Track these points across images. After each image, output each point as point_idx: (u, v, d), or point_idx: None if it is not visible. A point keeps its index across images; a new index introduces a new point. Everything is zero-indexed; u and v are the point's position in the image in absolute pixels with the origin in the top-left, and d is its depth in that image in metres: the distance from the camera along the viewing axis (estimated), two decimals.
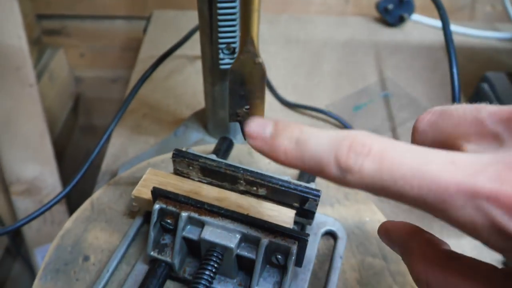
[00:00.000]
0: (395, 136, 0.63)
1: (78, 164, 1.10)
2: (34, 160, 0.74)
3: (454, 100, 0.42)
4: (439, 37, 0.81)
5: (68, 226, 0.44)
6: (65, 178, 0.91)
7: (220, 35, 0.41)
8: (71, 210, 0.85)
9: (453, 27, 0.82)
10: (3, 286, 0.85)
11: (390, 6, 0.79)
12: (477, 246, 0.52)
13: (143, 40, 0.79)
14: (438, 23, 0.82)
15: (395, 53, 0.77)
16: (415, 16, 0.83)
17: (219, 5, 0.39)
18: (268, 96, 0.68)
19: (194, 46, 0.65)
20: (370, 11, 0.86)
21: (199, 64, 0.73)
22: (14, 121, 0.70)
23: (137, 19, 0.92)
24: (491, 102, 0.52)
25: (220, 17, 0.40)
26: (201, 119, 0.56)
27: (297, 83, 0.71)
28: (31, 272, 0.88)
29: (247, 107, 0.26)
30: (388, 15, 0.80)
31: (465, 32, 0.81)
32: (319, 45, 0.79)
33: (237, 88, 0.25)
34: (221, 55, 0.43)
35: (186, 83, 0.69)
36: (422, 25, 0.83)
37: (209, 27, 0.42)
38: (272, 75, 0.72)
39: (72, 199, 0.72)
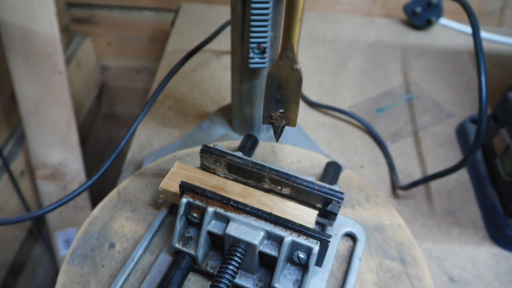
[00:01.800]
0: (416, 139, 0.63)
1: (100, 151, 1.13)
2: (60, 146, 0.76)
3: (481, 110, 0.42)
4: (466, 42, 0.80)
5: (95, 213, 0.46)
6: (86, 163, 0.93)
7: (252, 34, 0.42)
8: (93, 196, 0.87)
9: (481, 33, 0.81)
10: (24, 265, 0.87)
11: (418, 9, 0.78)
12: (494, 255, 0.52)
13: (171, 33, 0.80)
14: (465, 28, 0.81)
15: (421, 56, 0.77)
16: (443, 20, 0.82)
17: (253, 5, 0.40)
18: None
19: (221, 42, 0.66)
20: (397, 12, 0.85)
21: (225, 59, 0.74)
22: (43, 107, 0.72)
23: (164, 11, 0.93)
24: None
25: (253, 17, 0.41)
26: (226, 114, 0.57)
27: (321, 82, 0.71)
28: (51, 254, 0.91)
29: (281, 110, 0.27)
30: (416, 18, 0.79)
31: (493, 38, 0.80)
32: (345, 44, 0.79)
33: (274, 91, 0.26)
34: (251, 54, 0.43)
35: (212, 77, 0.70)
36: (450, 29, 0.82)
37: (241, 26, 0.43)
38: None
39: (94, 185, 0.74)
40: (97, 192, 0.76)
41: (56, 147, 0.76)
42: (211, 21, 0.82)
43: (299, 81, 0.25)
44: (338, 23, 0.84)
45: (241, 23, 0.43)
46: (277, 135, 0.29)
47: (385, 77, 0.73)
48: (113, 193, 0.48)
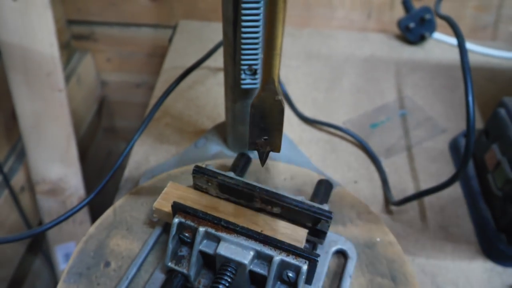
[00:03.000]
0: (410, 155, 0.64)
1: (100, 164, 1.14)
2: (60, 162, 0.77)
3: (468, 130, 0.43)
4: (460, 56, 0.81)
5: (91, 231, 0.47)
6: (86, 177, 0.94)
7: (243, 57, 0.43)
8: (92, 210, 0.88)
9: (475, 47, 0.82)
10: (24, 279, 0.88)
11: (412, 25, 0.79)
12: (487, 270, 0.52)
13: (168, 50, 0.82)
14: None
15: (415, 71, 0.78)
16: (437, 35, 0.83)
17: (243, 29, 0.41)
18: (287, 111, 0.70)
19: (217, 59, 0.68)
20: (392, 27, 0.87)
21: (221, 76, 0.75)
22: (43, 124, 0.73)
23: (163, 28, 0.95)
24: (507, 128, 0.53)
25: (243, 41, 0.42)
26: (221, 132, 0.58)
27: (316, 98, 0.73)
28: (51, 267, 0.91)
29: (265, 137, 0.28)
30: (409, 33, 0.81)
31: (486, 52, 0.81)
32: (340, 60, 0.80)
33: (257, 121, 0.27)
34: (243, 76, 0.45)
35: (208, 94, 0.72)
36: (443, 43, 0.84)
37: (232, 49, 0.44)
38: (292, 89, 0.73)
39: (94, 200, 0.75)
40: (96, 206, 0.77)
41: (56, 163, 0.77)
42: (208, 38, 0.84)
43: (281, 110, 0.26)
44: (333, 39, 0.85)
45: (233, 46, 0.44)
46: (263, 160, 0.30)
47: (379, 92, 0.74)
48: (109, 211, 0.48)
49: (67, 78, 0.93)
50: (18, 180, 0.79)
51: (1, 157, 0.77)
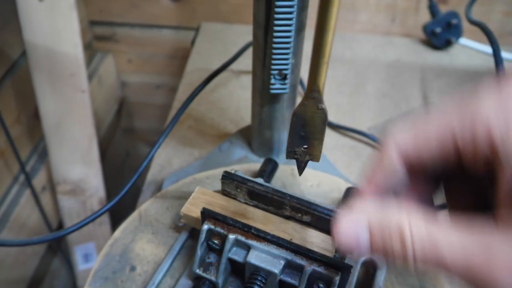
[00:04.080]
0: None
1: (118, 164, 1.14)
2: (81, 163, 0.77)
3: None
4: (486, 62, 0.80)
5: (117, 235, 0.46)
6: (105, 176, 0.95)
7: (274, 61, 0.42)
8: (112, 211, 0.88)
9: (502, 53, 0.80)
10: (42, 279, 0.89)
11: (438, 30, 0.78)
12: None
13: (191, 52, 0.81)
14: (486, 48, 0.81)
15: (441, 77, 0.77)
16: (463, 40, 0.82)
17: (275, 34, 0.40)
18: None
19: (240, 62, 0.67)
20: (416, 32, 0.85)
21: (244, 79, 0.75)
22: (65, 124, 0.74)
23: (184, 29, 0.95)
24: None
25: (275, 45, 0.41)
26: (246, 136, 0.58)
27: (340, 103, 0.72)
28: (70, 267, 0.92)
29: (305, 146, 0.27)
30: (435, 38, 0.79)
31: None
32: (364, 65, 0.79)
33: (298, 129, 0.26)
34: (273, 80, 0.44)
35: (231, 97, 0.71)
36: (470, 49, 0.82)
37: (263, 53, 0.43)
38: None
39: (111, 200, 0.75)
40: (116, 207, 0.77)
41: (77, 164, 0.78)
42: (230, 40, 0.83)
43: (324, 119, 0.26)
44: (356, 43, 0.84)
45: (263, 50, 0.43)
46: (301, 169, 0.30)
47: (404, 98, 0.73)
48: (134, 215, 0.48)
49: (89, 79, 0.94)
50: (39, 180, 0.80)
51: (24, 156, 0.77)
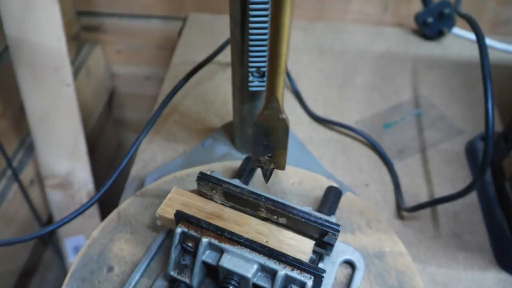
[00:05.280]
0: (424, 157, 0.62)
1: (111, 155, 1.14)
2: (68, 156, 0.77)
3: (487, 141, 0.41)
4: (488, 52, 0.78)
5: (95, 235, 0.46)
6: (97, 168, 0.94)
7: (251, 59, 0.41)
8: (101, 203, 0.88)
9: (496, 43, 0.79)
10: (35, 270, 0.89)
11: (430, 20, 0.76)
12: (501, 281, 0.51)
13: (177, 44, 0.80)
14: None
15: (432, 68, 0.75)
16: (456, 30, 0.80)
17: (251, 31, 0.39)
18: (298, 109, 0.68)
19: (226, 54, 0.66)
20: (409, 21, 0.84)
21: (230, 72, 0.74)
22: (51, 119, 0.73)
23: (173, 19, 0.93)
24: None
25: (251, 42, 0.40)
26: (229, 132, 0.57)
27: (328, 96, 0.71)
28: (61, 259, 0.92)
29: (269, 154, 0.26)
30: (427, 28, 0.78)
31: (508, 49, 0.78)
32: (353, 56, 0.78)
33: (261, 138, 0.26)
34: (251, 78, 0.43)
35: (217, 90, 0.70)
36: (463, 39, 0.80)
37: (240, 50, 0.42)
38: (304, 86, 0.71)
39: (102, 194, 0.75)
40: (105, 199, 0.77)
41: (65, 157, 0.77)
42: (218, 32, 0.82)
43: (286, 129, 0.25)
44: (347, 33, 0.82)
45: (241, 47, 0.42)
46: (266, 177, 0.29)
47: (394, 90, 0.71)
48: (113, 215, 0.48)
49: (77, 70, 0.93)
50: (27, 174, 0.79)
51: (10, 151, 0.77)
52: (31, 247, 0.85)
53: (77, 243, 0.87)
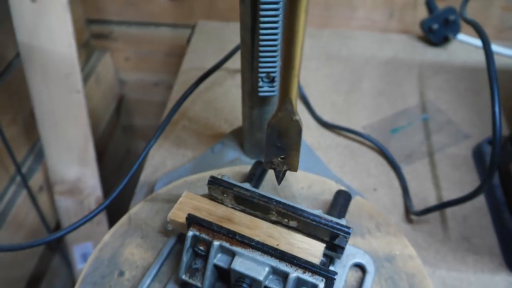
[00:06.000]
0: (432, 161, 0.62)
1: (119, 161, 1.14)
2: (77, 163, 0.78)
3: (494, 143, 0.41)
4: (485, 58, 0.79)
5: (106, 239, 0.46)
6: (105, 174, 0.95)
7: (261, 64, 0.42)
8: (109, 210, 0.88)
9: (501, 49, 0.79)
10: (43, 277, 0.89)
11: (435, 26, 0.77)
12: (511, 283, 0.51)
13: (187, 51, 0.81)
14: None
15: (438, 74, 0.76)
16: (461, 36, 0.81)
17: (261, 37, 0.40)
18: (305, 114, 0.68)
19: (235, 60, 0.66)
20: (414, 28, 0.84)
21: (239, 78, 0.74)
22: (60, 125, 0.74)
23: (181, 27, 0.94)
24: None
25: (261, 48, 0.41)
26: (238, 137, 0.57)
27: (335, 101, 0.71)
28: (69, 266, 0.92)
29: (282, 156, 0.27)
30: (433, 34, 0.78)
31: None
32: (360, 62, 0.78)
33: (274, 140, 0.26)
34: (261, 83, 0.44)
35: (226, 96, 0.71)
36: (468, 45, 0.81)
37: (250, 55, 0.43)
38: (311, 92, 0.72)
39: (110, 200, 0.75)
40: (113, 206, 0.77)
41: (74, 164, 0.78)
42: (227, 38, 0.83)
43: (299, 130, 0.25)
44: (353, 40, 0.83)
45: (251, 53, 0.43)
46: (279, 179, 0.29)
47: (401, 96, 0.72)
48: (124, 219, 0.48)
49: (86, 77, 0.94)
50: (36, 180, 0.80)
51: (20, 157, 0.78)
52: (39, 254, 0.86)
53: (85, 250, 0.88)
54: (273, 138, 0.26)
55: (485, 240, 0.54)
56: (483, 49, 0.44)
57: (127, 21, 0.95)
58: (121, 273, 0.43)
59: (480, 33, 0.46)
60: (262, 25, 0.39)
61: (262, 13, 0.38)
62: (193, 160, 0.58)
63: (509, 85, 0.74)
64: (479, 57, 0.79)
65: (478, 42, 0.80)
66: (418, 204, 0.57)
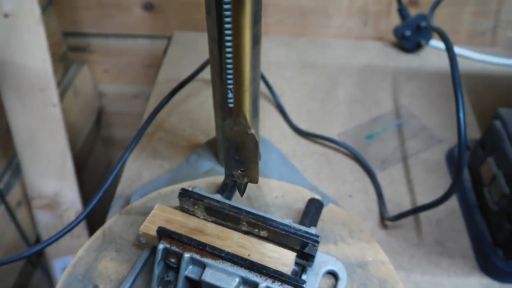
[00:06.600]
0: (406, 166, 0.63)
1: (100, 174, 1.14)
2: (55, 177, 0.77)
3: (460, 147, 0.42)
4: (458, 63, 0.80)
5: (80, 254, 0.46)
6: (86, 188, 0.94)
7: (229, 76, 0.42)
8: (90, 222, 0.88)
9: (473, 54, 0.81)
10: None
11: (408, 33, 0.78)
12: (484, 286, 0.52)
13: (162, 62, 0.81)
14: (456, 49, 0.81)
15: (412, 79, 0.77)
16: (433, 42, 0.82)
17: (228, 49, 0.40)
18: (281, 123, 0.69)
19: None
20: (389, 35, 0.86)
21: None
22: (37, 139, 0.73)
23: (159, 38, 0.94)
24: (502, 142, 0.52)
25: (229, 60, 0.41)
26: (213, 148, 0.58)
27: (311, 109, 0.72)
28: (49, 281, 0.91)
29: (242, 169, 0.27)
30: (406, 41, 0.80)
31: (484, 59, 0.80)
32: (335, 70, 0.79)
33: (232, 153, 0.26)
34: (230, 94, 0.44)
35: (202, 107, 0.71)
36: (440, 51, 0.82)
37: (219, 67, 0.44)
38: (287, 100, 0.72)
39: (91, 212, 0.75)
40: (94, 218, 0.77)
41: (52, 178, 0.77)
42: (203, 49, 0.83)
43: (256, 143, 0.26)
44: (329, 48, 0.84)
45: (219, 65, 0.43)
46: (241, 191, 0.30)
47: (375, 102, 0.73)
48: (98, 233, 0.48)
49: (64, 91, 0.93)
50: (14, 195, 0.79)
51: None
52: (19, 270, 0.85)
53: (66, 264, 0.87)
54: (231, 151, 0.26)
55: (459, 243, 0.55)
56: (447, 55, 0.45)
57: (104, 33, 0.95)
58: (95, 287, 0.43)
59: (444, 39, 0.47)
60: (228, 37, 0.39)
61: (227, 25, 0.38)
62: (169, 172, 0.58)
63: (481, 89, 0.76)
64: None
65: None
66: (393, 209, 0.58)
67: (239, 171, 0.27)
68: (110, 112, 1.10)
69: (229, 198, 0.46)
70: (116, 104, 1.08)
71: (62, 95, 0.91)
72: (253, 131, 0.25)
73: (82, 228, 0.85)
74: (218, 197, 0.41)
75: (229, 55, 0.40)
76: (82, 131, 1.01)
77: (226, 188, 0.46)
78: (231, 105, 0.45)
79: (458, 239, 0.55)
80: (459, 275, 0.52)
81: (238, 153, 0.26)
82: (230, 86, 0.43)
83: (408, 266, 0.53)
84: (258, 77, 0.47)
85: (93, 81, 1.03)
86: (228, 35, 0.39)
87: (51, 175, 0.77)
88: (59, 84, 0.92)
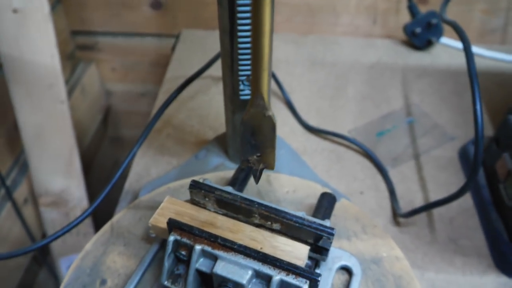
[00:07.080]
0: (418, 164, 0.62)
1: (106, 173, 1.13)
2: (63, 174, 0.77)
3: (477, 142, 0.41)
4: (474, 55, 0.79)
5: (88, 248, 0.45)
6: (93, 186, 0.93)
7: (241, 67, 0.42)
8: (97, 220, 0.87)
9: (483, 51, 0.80)
10: None
11: (418, 30, 0.77)
12: (500, 284, 0.50)
13: (171, 60, 0.81)
14: None
15: (422, 77, 0.76)
16: (444, 39, 0.81)
17: (240, 39, 0.40)
18: (291, 120, 0.68)
19: (219, 68, 0.66)
20: (398, 33, 0.85)
21: None
22: (45, 136, 0.73)
23: (166, 37, 0.94)
24: None
25: (240, 51, 0.41)
26: (222, 143, 0.57)
27: (321, 106, 0.71)
28: (55, 280, 0.91)
29: (258, 154, 0.26)
30: (416, 38, 0.79)
31: (495, 56, 0.79)
32: (345, 67, 0.78)
33: (248, 137, 0.26)
34: (241, 86, 0.43)
35: (210, 104, 0.70)
36: (451, 48, 0.82)
37: (230, 59, 0.43)
38: (296, 97, 0.72)
39: (99, 211, 0.74)
40: (101, 216, 0.76)
41: (59, 175, 0.77)
42: (210, 47, 0.83)
43: (273, 127, 0.25)
44: (338, 46, 0.83)
45: (230, 56, 0.43)
46: (256, 178, 0.29)
47: (385, 99, 0.72)
48: (106, 227, 0.47)
49: (72, 89, 0.93)
50: (21, 192, 0.79)
51: (4, 169, 0.76)
52: (25, 267, 0.84)
53: (72, 262, 0.86)
54: (247, 135, 0.26)
55: (473, 241, 0.54)
56: (463, 48, 0.44)
57: (112, 32, 0.95)
58: (103, 282, 0.42)
59: (459, 32, 0.46)
60: (240, 27, 0.39)
61: (239, 15, 0.38)
62: (177, 168, 0.57)
63: (492, 86, 0.75)
64: (462, 60, 0.79)
65: (460, 45, 0.81)
66: (405, 206, 0.57)
67: (255, 157, 0.26)
68: (118, 110, 1.10)
69: (240, 191, 0.45)
70: (124, 103, 1.08)
71: (69, 93, 0.91)
72: (270, 113, 0.24)
73: (88, 226, 0.84)
74: (229, 189, 0.40)
75: (241, 45, 0.40)
76: (89, 129, 1.00)
77: (237, 182, 0.46)
78: (242, 97, 0.44)
79: (473, 236, 0.54)
80: (474, 273, 0.51)
81: (254, 137, 0.25)
82: (242, 78, 0.42)
83: (421, 263, 0.52)
84: (271, 65, 0.46)
85: (100, 79, 1.03)
86: (241, 24, 0.38)
87: (58, 172, 0.76)
88: (66, 82, 0.92)
